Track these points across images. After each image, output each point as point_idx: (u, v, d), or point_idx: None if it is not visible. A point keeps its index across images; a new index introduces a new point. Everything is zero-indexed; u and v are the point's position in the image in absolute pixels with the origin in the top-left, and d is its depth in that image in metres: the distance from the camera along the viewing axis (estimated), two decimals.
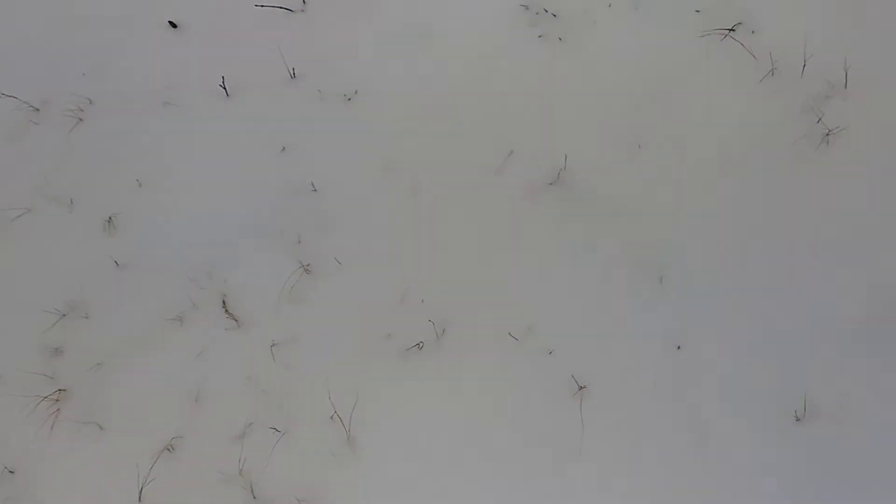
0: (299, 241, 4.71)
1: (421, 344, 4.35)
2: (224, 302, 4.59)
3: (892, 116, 4.45)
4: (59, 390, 4.45)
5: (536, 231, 4.57)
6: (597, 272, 4.40)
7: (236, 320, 4.52)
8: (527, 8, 5.25)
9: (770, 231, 4.36)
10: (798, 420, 3.94)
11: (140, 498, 4.22)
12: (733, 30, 4.84)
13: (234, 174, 5.00)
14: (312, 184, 4.86)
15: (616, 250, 4.43)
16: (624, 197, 4.58)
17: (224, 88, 5.26)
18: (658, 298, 4.29)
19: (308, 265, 4.64)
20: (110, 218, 4.93)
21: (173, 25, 5.65)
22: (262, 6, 5.55)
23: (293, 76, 5.27)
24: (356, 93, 5.16)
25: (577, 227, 4.53)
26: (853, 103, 4.52)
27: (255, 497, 4.16)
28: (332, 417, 4.22)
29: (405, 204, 4.78)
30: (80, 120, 5.31)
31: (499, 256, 4.54)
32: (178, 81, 5.41)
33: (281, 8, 5.54)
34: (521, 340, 4.30)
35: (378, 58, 5.32)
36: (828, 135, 4.44)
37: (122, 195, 5.02)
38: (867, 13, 4.71)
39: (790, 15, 4.83)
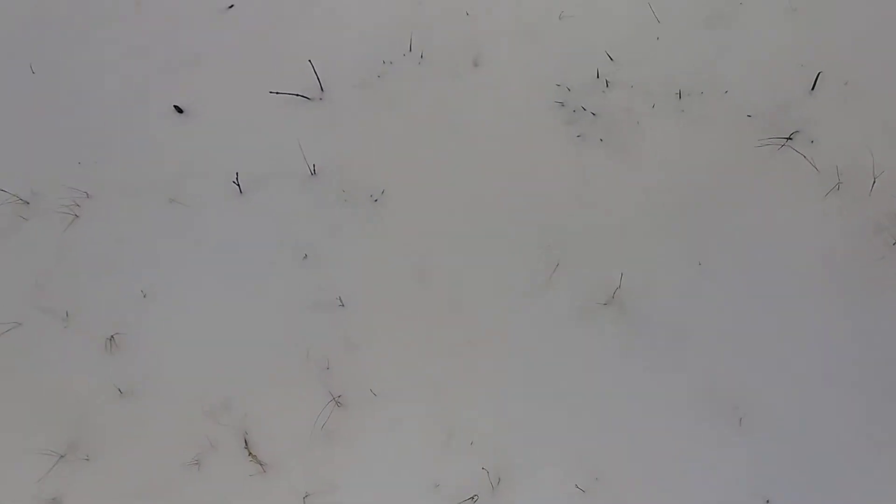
0: (328, 367, 3.78)
1: (475, 497, 3.44)
2: (246, 441, 3.62)
3: None
4: None
5: (593, 360, 3.72)
6: (667, 411, 3.57)
7: (261, 464, 3.56)
8: (563, 105, 4.41)
9: (855, 365, 3.55)
10: None
11: None
12: (791, 138, 4.04)
13: (251, 286, 4.03)
14: (340, 298, 3.92)
15: (686, 386, 3.59)
16: (687, 322, 3.74)
17: (237, 185, 4.30)
18: (739, 443, 3.45)
19: (339, 396, 3.70)
20: (112, 336, 3.91)
21: (179, 111, 4.66)
22: (277, 93, 4.60)
23: (313, 173, 4.34)
24: (383, 193, 4.25)
25: (639, 358, 3.68)
26: None
27: None
28: None
29: (444, 321, 3.88)
30: (76, 217, 4.30)
31: (552, 388, 3.67)
32: (185, 175, 4.43)
33: (297, 95, 4.60)
34: (589, 492, 3.44)
35: (406, 154, 4.41)
36: None
37: (125, 308, 4.01)
38: None
39: (851, 124, 4.08)
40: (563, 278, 3.87)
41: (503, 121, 4.43)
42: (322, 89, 4.59)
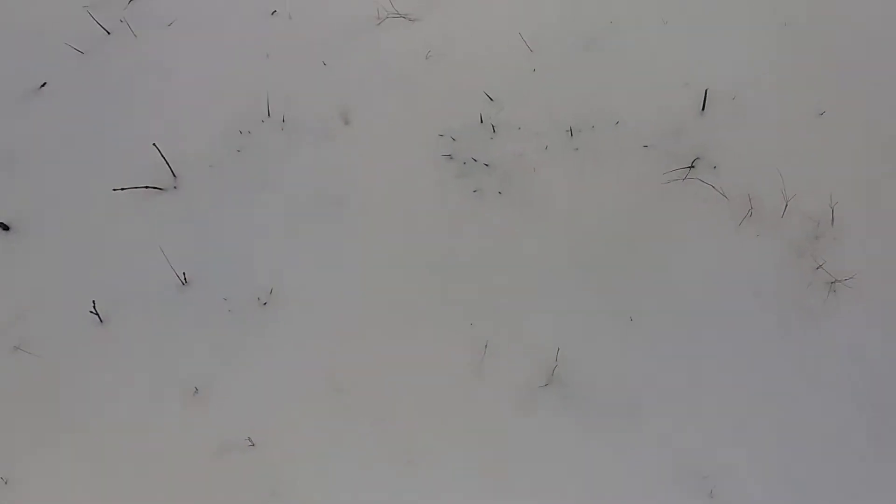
0: None
1: None
2: None
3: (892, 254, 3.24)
4: None
5: (547, 451, 3.03)
6: (635, 495, 2.90)
7: None
8: (451, 157, 3.60)
9: (805, 406, 3.04)
10: None
11: None
12: (693, 166, 3.45)
13: (137, 442, 3.03)
14: (249, 438, 2.99)
15: (649, 462, 2.96)
16: (634, 389, 3.16)
17: (96, 314, 3.22)
18: None
19: None
20: None
21: (5, 228, 3.48)
22: (122, 189, 3.51)
23: (185, 282, 3.33)
24: (271, 293, 3.31)
25: (595, 439, 3.03)
26: (848, 243, 3.26)
27: None
28: None
29: (374, 439, 3.07)
30: None
31: (514, 489, 2.91)
32: (27, 312, 3.30)
33: (147, 188, 3.53)
34: None
35: (287, 239, 3.48)
36: (833, 283, 3.16)
37: None
38: (842, 139, 3.48)
39: (749, 142, 3.54)
40: (495, 361, 3.13)
41: (390, 184, 3.57)
42: (174, 175, 3.54)
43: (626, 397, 3.06)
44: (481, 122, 3.60)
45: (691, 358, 3.13)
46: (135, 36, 3.82)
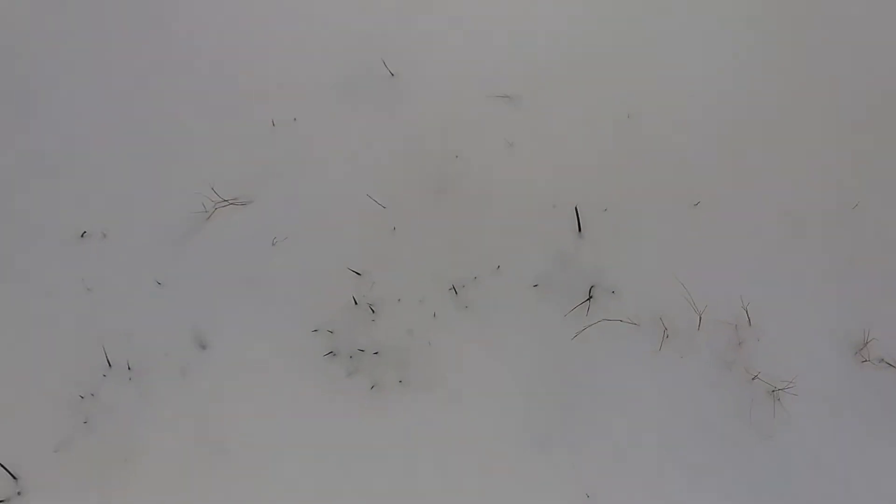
0: None
1: None
2: None
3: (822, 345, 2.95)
4: None
5: None
6: None
7: None
8: (334, 354, 3.00)
9: None
10: None
11: None
12: (592, 297, 3.03)
13: None
14: None
15: None
16: None
17: None
18: None
19: None
20: None
21: None
22: None
23: None
24: None
25: None
26: (773, 344, 2.95)
27: None
28: None
29: None
30: None
31: None
32: None
33: None
34: None
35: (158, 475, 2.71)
36: (775, 392, 2.83)
37: None
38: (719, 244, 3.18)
39: (639, 257, 3.16)
40: None
41: (274, 408, 3.07)
42: (14, 478, 2.74)
43: None
44: (356, 303, 3.01)
45: None
46: None
